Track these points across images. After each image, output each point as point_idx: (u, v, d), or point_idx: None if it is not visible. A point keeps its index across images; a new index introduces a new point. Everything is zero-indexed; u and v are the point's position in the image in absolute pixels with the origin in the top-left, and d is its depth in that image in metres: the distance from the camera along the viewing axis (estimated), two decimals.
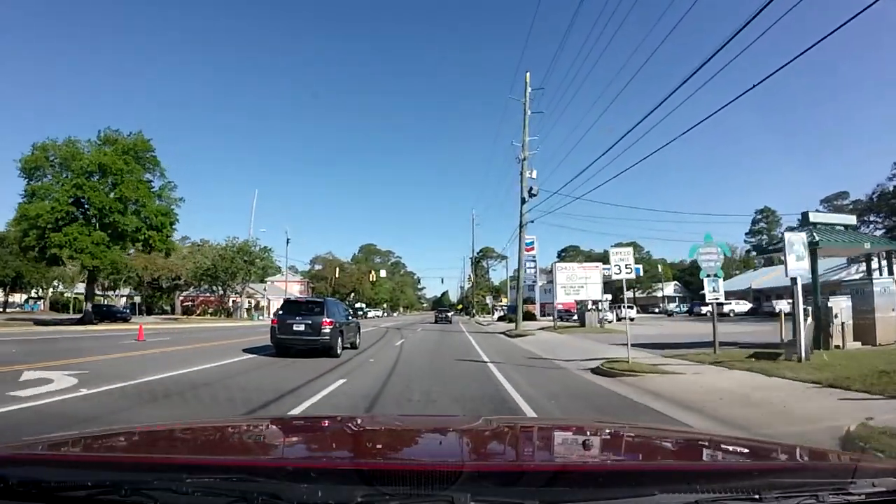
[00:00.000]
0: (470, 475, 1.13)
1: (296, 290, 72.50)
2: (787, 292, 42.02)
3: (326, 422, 2.92)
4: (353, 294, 77.65)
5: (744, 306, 47.89)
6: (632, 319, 34.93)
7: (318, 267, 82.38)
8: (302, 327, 12.27)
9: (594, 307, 26.51)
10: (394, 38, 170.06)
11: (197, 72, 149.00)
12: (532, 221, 26.37)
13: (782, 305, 37.77)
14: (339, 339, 12.70)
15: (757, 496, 1.11)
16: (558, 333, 23.43)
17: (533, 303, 53.89)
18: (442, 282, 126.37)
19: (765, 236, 79.28)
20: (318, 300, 14.14)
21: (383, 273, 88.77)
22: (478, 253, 73.05)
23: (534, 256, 33.98)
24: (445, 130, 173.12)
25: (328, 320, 12.31)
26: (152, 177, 30.81)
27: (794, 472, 1.34)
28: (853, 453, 1.41)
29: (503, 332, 26.13)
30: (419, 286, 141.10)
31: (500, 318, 48.08)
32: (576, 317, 48.64)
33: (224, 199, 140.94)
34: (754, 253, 77.38)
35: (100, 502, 1.13)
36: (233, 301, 53.31)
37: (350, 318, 15.58)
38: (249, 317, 48.00)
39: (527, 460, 1.75)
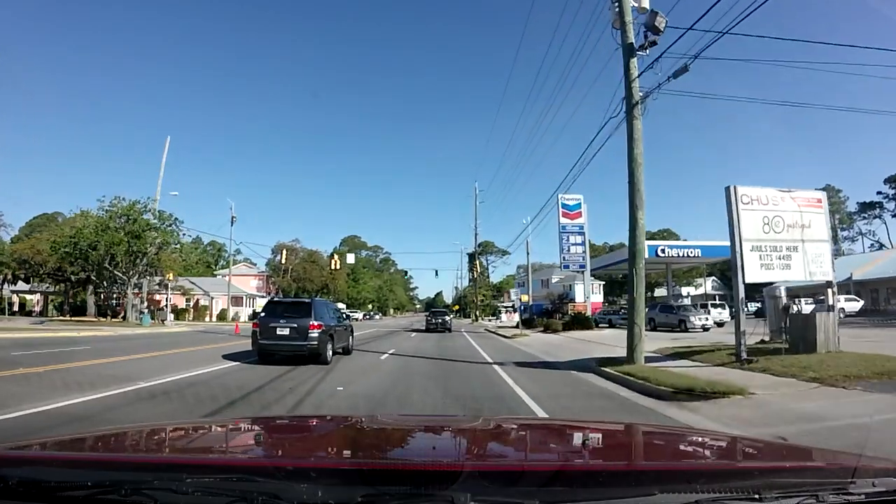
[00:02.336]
0: (470, 475, 1.26)
1: (252, 285, 66.20)
2: None
3: (326, 421, 3.12)
4: (325, 292, 69.52)
5: (855, 303, 39.00)
6: (720, 324, 28.08)
7: (280, 258, 70.44)
8: (286, 331, 12.38)
9: (799, 297, 10.62)
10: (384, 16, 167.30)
11: (187, 68, 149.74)
12: (675, 75, 10.71)
13: None
14: (329, 345, 12.83)
15: (757, 496, 1.22)
16: (842, 390, 7.52)
17: (572, 301, 41.11)
18: (436, 275, 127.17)
19: None
20: (305, 300, 14.21)
21: (351, 258, 72.15)
22: (477, 248, 72.00)
23: (581, 226, 24.02)
24: (441, 122, 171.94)
25: (315, 323, 12.39)
26: None
27: (794, 472, 1.46)
28: (853, 453, 1.60)
29: (597, 370, 10.86)
30: (411, 286, 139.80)
31: (526, 323, 34.70)
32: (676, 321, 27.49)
33: (220, 197, 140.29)
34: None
35: (100, 502, 1.24)
36: (116, 297, 42.07)
37: (342, 320, 15.79)
38: (138, 320, 35.72)
39: (527, 460, 1.91)
